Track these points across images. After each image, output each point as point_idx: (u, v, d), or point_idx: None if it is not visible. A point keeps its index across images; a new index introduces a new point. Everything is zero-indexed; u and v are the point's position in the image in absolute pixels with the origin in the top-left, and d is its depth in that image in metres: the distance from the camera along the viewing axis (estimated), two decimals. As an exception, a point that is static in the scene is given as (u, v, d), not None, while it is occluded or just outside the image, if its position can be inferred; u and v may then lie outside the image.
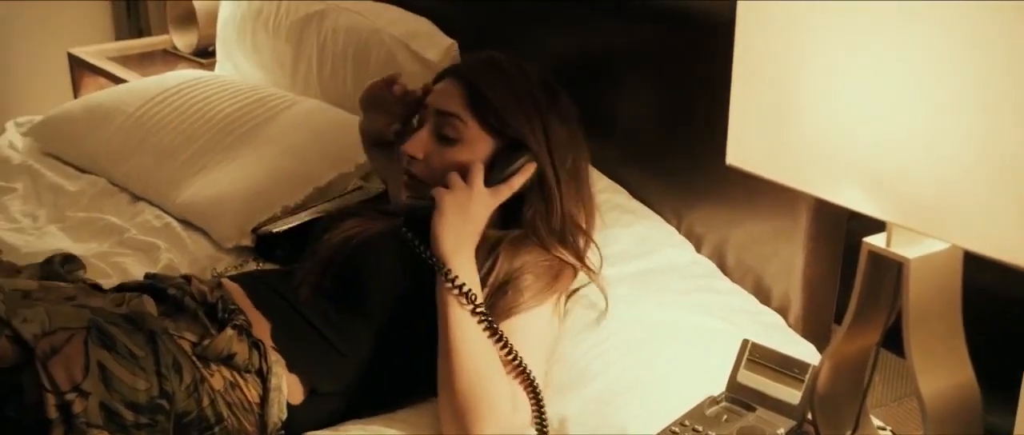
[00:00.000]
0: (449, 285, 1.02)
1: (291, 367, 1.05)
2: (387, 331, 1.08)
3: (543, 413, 1.01)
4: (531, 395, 1.01)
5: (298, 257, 1.22)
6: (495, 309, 1.05)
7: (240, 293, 1.11)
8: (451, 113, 1.10)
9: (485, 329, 1.02)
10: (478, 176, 1.08)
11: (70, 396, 0.87)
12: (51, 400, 0.87)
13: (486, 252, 1.09)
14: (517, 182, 1.09)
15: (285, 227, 1.36)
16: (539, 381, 1.02)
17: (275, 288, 1.12)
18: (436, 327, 1.04)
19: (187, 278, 1.10)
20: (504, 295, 1.06)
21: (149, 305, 0.98)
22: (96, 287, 1.10)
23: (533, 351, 1.04)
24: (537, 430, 1.00)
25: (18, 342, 0.88)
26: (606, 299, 1.09)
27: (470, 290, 1.02)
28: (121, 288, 1.10)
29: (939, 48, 0.65)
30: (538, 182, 1.11)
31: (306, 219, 1.36)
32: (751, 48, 0.78)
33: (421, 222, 1.09)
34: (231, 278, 1.16)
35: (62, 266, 1.12)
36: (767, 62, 0.77)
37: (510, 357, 1.02)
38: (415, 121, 1.17)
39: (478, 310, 1.02)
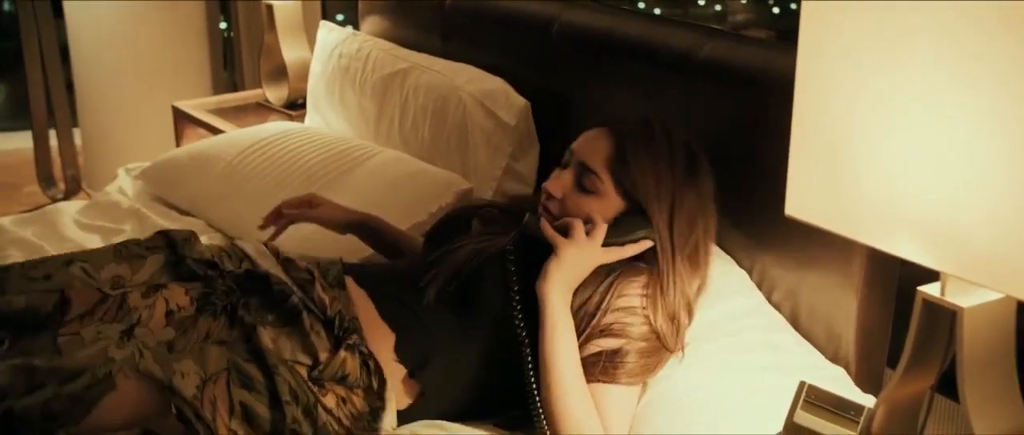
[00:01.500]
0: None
1: (410, 374, 1.13)
2: (500, 344, 1.15)
3: None
4: None
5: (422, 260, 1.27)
6: (593, 370, 1.11)
7: (366, 302, 1.17)
8: (591, 169, 1.17)
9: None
10: (599, 236, 1.14)
11: None
12: None
13: (598, 278, 1.14)
14: (630, 251, 1.16)
15: None
16: None
17: (399, 295, 1.19)
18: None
19: (312, 275, 1.15)
20: (605, 364, 1.11)
21: (267, 339, 1.06)
22: (217, 268, 1.14)
23: (618, 422, 1.10)
24: None
25: (179, 414, 0.98)
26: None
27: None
28: (249, 274, 1.14)
29: (992, 102, 0.67)
30: (653, 254, 1.16)
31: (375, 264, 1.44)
32: (809, 105, 0.82)
33: (532, 247, 1.16)
34: (358, 278, 1.21)
35: (187, 247, 1.17)
36: (824, 118, 0.81)
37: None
38: (563, 159, 1.23)
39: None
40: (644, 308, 1.13)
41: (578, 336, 1.12)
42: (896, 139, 0.75)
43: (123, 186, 1.94)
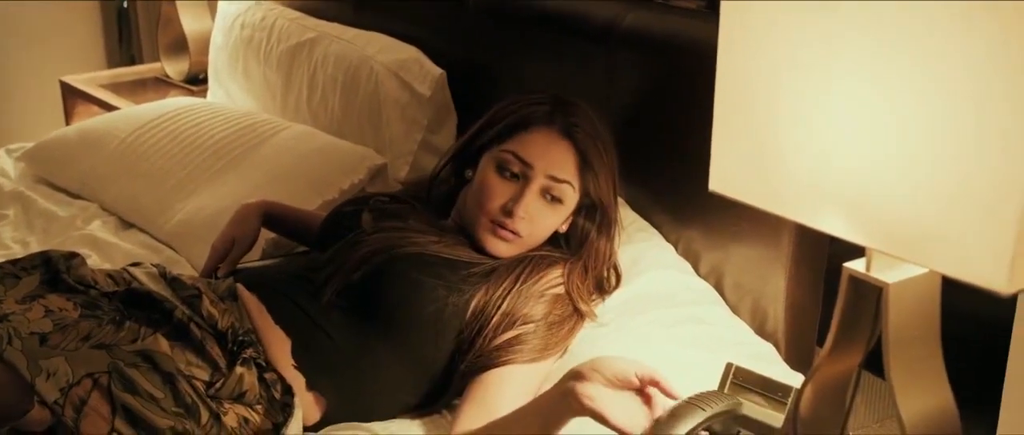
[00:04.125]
0: None
1: (309, 385, 1.07)
2: (404, 347, 1.09)
3: None
4: None
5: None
6: (495, 350, 1.05)
7: (258, 308, 1.10)
8: (565, 180, 1.13)
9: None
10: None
11: None
12: None
13: (506, 279, 1.10)
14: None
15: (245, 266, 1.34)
16: None
17: (293, 299, 1.12)
18: (446, 346, 1.07)
19: (199, 291, 1.08)
20: (508, 344, 1.05)
21: (163, 345, 0.99)
22: (104, 293, 1.07)
23: (509, 405, 1.03)
24: None
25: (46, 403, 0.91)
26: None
27: None
28: (130, 292, 1.07)
29: (918, 77, 0.67)
30: (599, 231, 1.15)
31: (267, 264, 1.36)
32: (732, 76, 0.80)
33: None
34: (248, 284, 1.14)
35: (65, 264, 1.09)
36: (748, 90, 0.79)
37: None
38: (514, 170, 1.13)
39: None
40: (568, 292, 1.11)
41: (484, 330, 1.07)
42: (821, 113, 0.75)
43: (5, 167, 1.82)
